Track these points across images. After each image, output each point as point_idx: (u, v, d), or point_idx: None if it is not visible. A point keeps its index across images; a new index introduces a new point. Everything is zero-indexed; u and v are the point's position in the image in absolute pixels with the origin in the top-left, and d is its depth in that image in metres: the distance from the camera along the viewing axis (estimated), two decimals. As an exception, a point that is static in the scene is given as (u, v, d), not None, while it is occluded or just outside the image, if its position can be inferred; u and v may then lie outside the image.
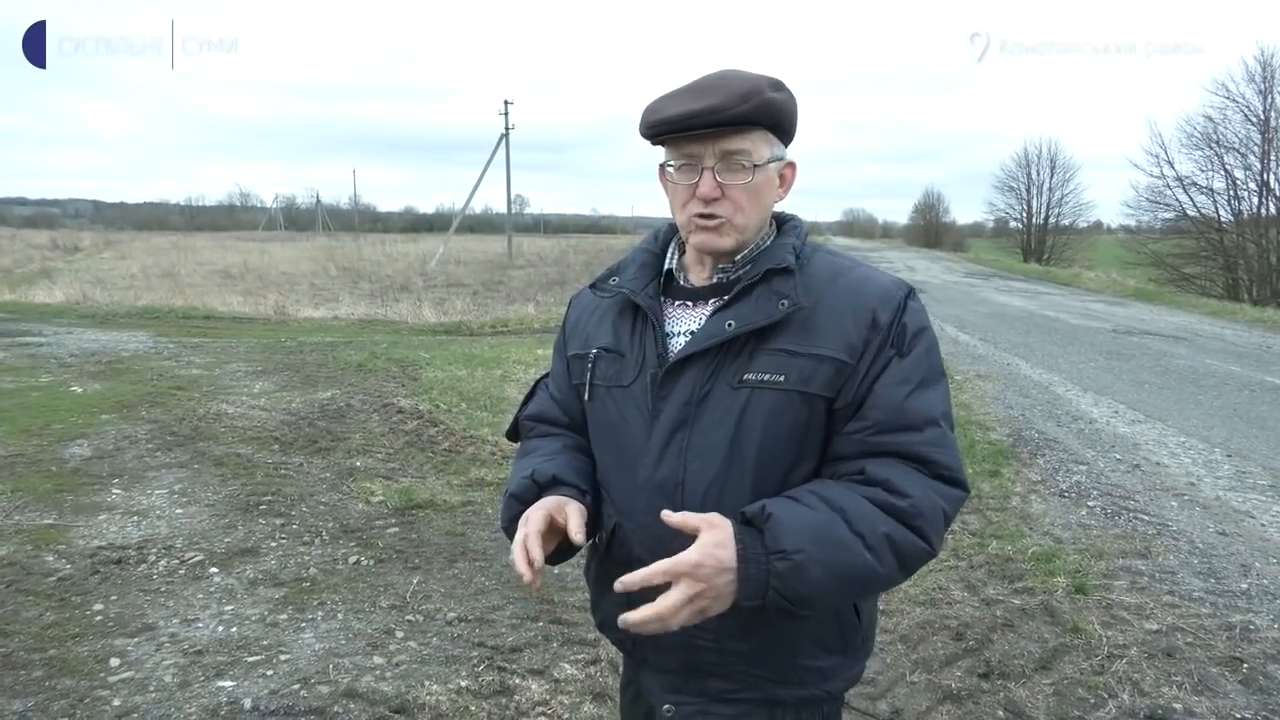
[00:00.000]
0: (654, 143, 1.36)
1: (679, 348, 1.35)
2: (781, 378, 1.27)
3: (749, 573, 1.16)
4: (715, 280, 1.38)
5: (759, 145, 1.31)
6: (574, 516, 1.31)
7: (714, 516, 1.20)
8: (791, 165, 1.38)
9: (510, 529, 1.39)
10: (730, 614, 1.25)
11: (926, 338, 1.31)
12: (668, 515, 1.20)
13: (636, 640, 1.40)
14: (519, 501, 1.37)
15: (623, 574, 1.37)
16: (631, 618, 1.17)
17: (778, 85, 1.32)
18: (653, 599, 1.17)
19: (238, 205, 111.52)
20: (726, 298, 1.34)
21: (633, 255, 1.48)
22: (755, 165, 1.30)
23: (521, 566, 1.26)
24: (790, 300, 1.29)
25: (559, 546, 1.35)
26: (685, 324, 1.38)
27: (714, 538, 1.17)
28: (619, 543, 1.39)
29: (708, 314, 1.35)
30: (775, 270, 1.31)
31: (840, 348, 1.27)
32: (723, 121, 1.27)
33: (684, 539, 1.26)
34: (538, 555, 1.27)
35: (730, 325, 1.29)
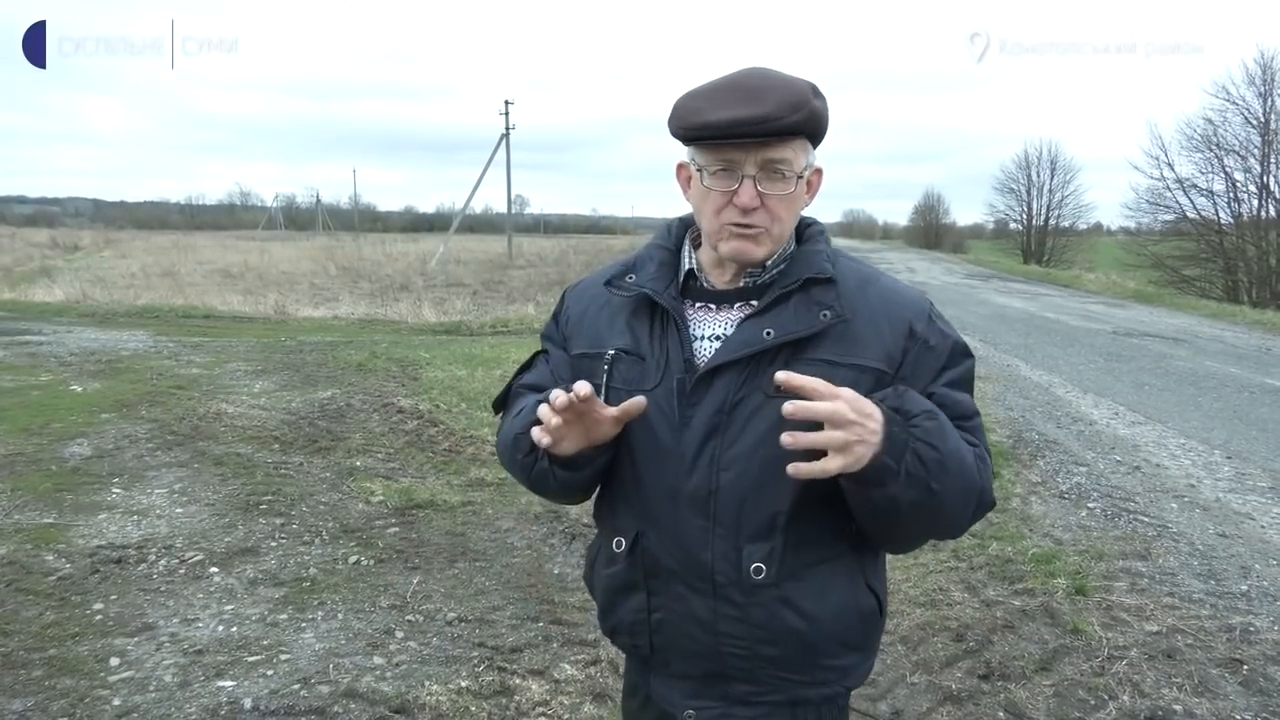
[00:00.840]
0: (686, 143, 1.32)
1: (705, 352, 1.32)
2: None
3: (892, 430, 1.15)
4: (743, 284, 1.35)
5: (798, 154, 1.28)
6: (603, 405, 1.25)
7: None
8: (819, 171, 1.35)
9: (524, 440, 1.31)
10: (764, 622, 1.27)
11: (967, 349, 1.37)
12: (784, 375, 1.14)
13: (656, 646, 1.39)
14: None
15: (647, 584, 1.36)
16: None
17: (818, 92, 1.29)
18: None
19: (238, 204, 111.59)
20: (756, 303, 1.31)
21: (649, 253, 1.42)
22: (797, 175, 1.28)
23: (560, 402, 1.18)
24: (833, 311, 1.28)
25: (579, 456, 1.29)
26: (710, 328, 1.34)
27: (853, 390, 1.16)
28: (643, 550, 1.35)
29: (735, 319, 1.33)
30: (815, 280, 1.30)
31: (880, 358, 1.28)
32: (773, 132, 1.23)
33: (716, 546, 1.29)
34: (571, 396, 1.18)
35: (769, 334, 1.27)
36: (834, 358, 1.27)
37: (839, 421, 1.11)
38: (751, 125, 1.22)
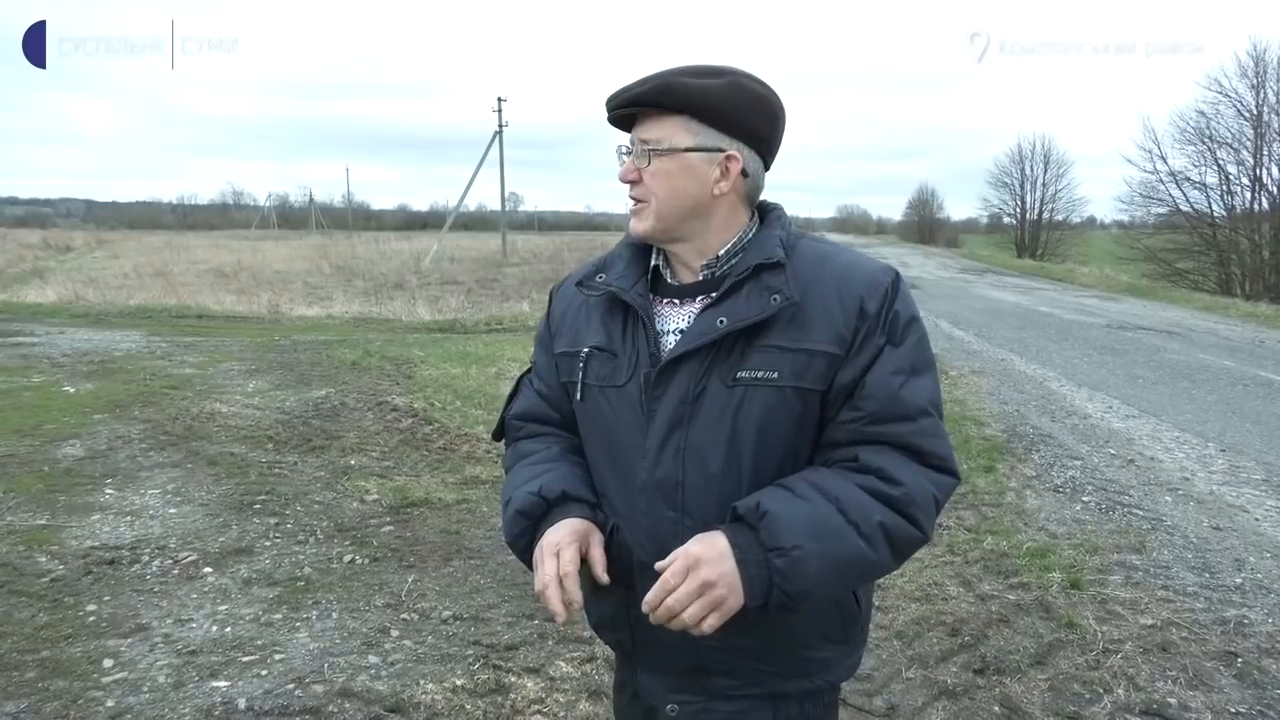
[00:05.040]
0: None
1: (670, 346, 1.33)
2: (775, 374, 1.27)
3: (750, 572, 1.18)
4: (701, 276, 1.36)
5: (675, 132, 1.30)
6: (597, 553, 1.31)
7: (697, 536, 1.24)
8: (731, 157, 1.31)
9: (518, 545, 1.38)
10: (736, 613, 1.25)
11: (917, 327, 1.32)
12: (658, 565, 1.22)
13: (636, 641, 1.40)
14: (526, 518, 1.36)
15: (624, 578, 1.36)
16: (652, 615, 1.20)
17: (706, 72, 1.30)
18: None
19: (231, 204, 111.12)
20: (715, 294, 1.32)
21: (619, 251, 1.45)
22: (654, 150, 1.31)
23: (557, 606, 1.25)
24: (782, 295, 1.27)
25: None
26: (675, 322, 1.36)
27: (703, 536, 1.22)
28: (618, 544, 1.36)
29: (696, 311, 1.34)
30: (765, 265, 1.30)
31: (830, 340, 1.27)
32: (622, 103, 1.32)
33: (684, 537, 1.27)
34: (577, 597, 1.26)
35: (722, 323, 1.28)
36: (785, 344, 1.27)
37: (688, 594, 1.18)
38: (612, 98, 1.34)
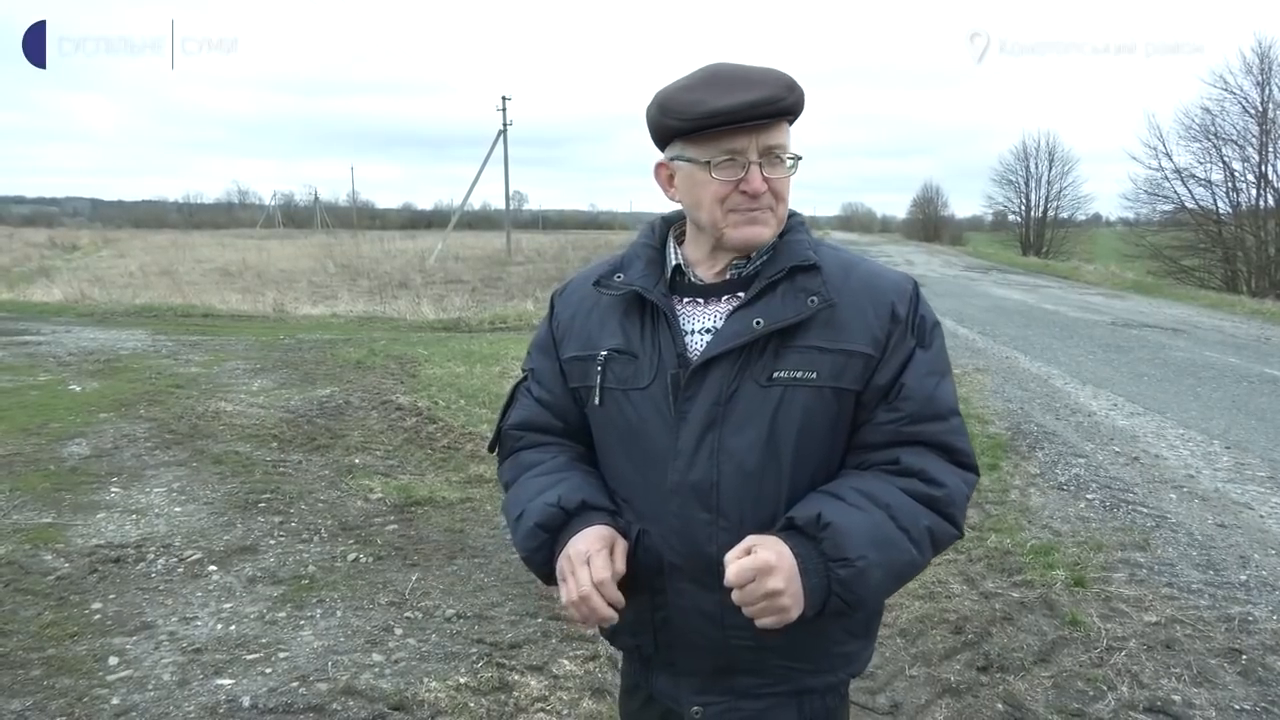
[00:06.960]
0: (673, 138, 1.31)
1: (697, 346, 1.32)
2: (814, 374, 1.27)
3: (810, 583, 1.18)
4: (729, 276, 1.35)
5: (789, 138, 1.31)
6: (620, 559, 1.29)
7: (754, 537, 1.22)
8: (798, 158, 1.36)
9: (536, 559, 1.34)
10: None
11: (940, 331, 1.36)
12: (729, 580, 1.18)
13: (659, 645, 1.38)
14: (545, 531, 1.32)
15: (650, 582, 1.34)
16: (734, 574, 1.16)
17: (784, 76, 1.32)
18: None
19: (236, 203, 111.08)
20: (744, 295, 1.31)
21: (635, 251, 1.42)
22: (790, 158, 1.30)
23: (607, 611, 1.23)
24: (820, 297, 1.29)
25: None
26: (700, 322, 1.35)
27: (771, 542, 1.20)
28: (645, 550, 1.33)
29: (724, 311, 1.33)
30: (800, 267, 1.30)
31: (866, 342, 1.29)
32: (777, 112, 1.25)
33: (720, 541, 1.26)
34: (619, 599, 1.24)
35: (759, 324, 1.27)
36: (822, 344, 1.28)
37: (747, 599, 1.17)
38: (761, 107, 1.23)
